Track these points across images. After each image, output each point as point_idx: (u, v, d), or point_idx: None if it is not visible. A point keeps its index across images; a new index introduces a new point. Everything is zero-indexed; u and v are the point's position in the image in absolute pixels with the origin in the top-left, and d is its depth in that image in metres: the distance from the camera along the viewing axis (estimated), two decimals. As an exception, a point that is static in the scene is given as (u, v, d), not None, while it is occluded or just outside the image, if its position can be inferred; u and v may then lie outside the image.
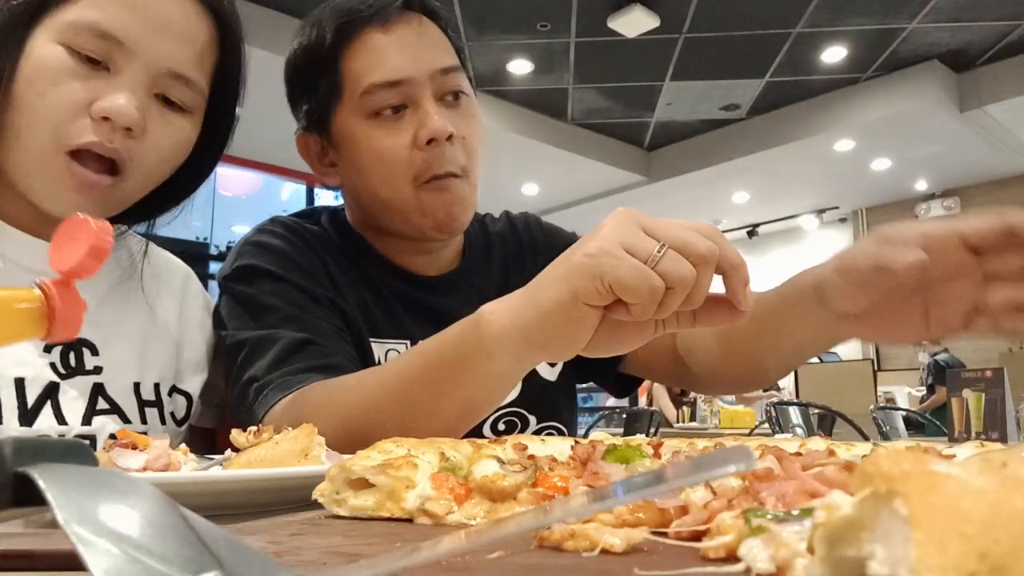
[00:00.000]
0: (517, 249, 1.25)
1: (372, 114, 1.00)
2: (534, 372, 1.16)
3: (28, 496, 0.25)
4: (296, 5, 5.32)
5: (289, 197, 8.20)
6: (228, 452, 0.68)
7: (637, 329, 0.72)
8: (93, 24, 0.82)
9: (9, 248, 0.88)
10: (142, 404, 0.94)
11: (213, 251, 7.70)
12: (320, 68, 1.02)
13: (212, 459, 0.69)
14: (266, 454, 0.62)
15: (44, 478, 0.24)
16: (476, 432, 1.04)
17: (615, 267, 0.64)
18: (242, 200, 8.10)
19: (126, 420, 0.91)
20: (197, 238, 7.57)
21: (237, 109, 1.00)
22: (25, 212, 0.89)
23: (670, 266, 0.64)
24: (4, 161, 0.86)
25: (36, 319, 0.56)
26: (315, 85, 1.03)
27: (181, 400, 1.00)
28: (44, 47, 0.82)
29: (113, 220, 1.01)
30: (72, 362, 0.89)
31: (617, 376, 1.24)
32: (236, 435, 0.67)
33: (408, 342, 1.08)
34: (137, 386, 0.94)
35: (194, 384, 1.02)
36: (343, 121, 1.02)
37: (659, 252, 0.64)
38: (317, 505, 0.48)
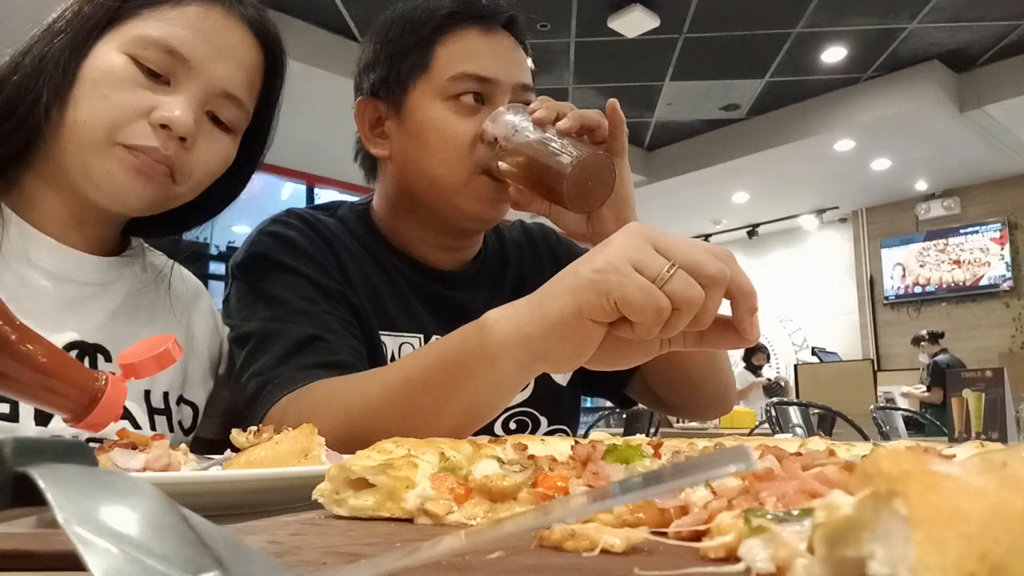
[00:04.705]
0: (534, 257, 1.26)
1: (451, 97, 1.04)
2: (546, 374, 1.17)
3: (28, 496, 0.25)
4: (303, 7, 5.33)
5: (289, 197, 8.19)
6: (228, 452, 0.68)
7: (642, 346, 0.72)
8: (162, 40, 0.88)
9: (34, 252, 0.89)
10: (152, 411, 0.95)
11: (213, 251, 7.69)
12: (415, 43, 1.07)
13: (212, 459, 0.69)
14: (266, 454, 0.62)
15: (44, 478, 0.24)
16: (487, 431, 1.04)
17: (622, 285, 0.64)
18: (242, 200, 8.06)
19: (136, 426, 0.92)
20: (197, 238, 7.55)
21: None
22: (57, 216, 0.91)
23: (678, 287, 0.63)
24: (57, 153, 0.88)
25: (82, 395, 0.56)
26: (404, 56, 1.07)
27: (188, 410, 1.01)
28: (111, 55, 0.87)
29: (133, 234, 1.02)
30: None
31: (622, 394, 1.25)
32: (236, 435, 0.67)
33: (422, 336, 1.09)
34: (147, 393, 0.95)
35: (200, 395, 1.04)
36: (420, 96, 1.06)
37: (668, 272, 0.63)
38: (317, 505, 0.48)
